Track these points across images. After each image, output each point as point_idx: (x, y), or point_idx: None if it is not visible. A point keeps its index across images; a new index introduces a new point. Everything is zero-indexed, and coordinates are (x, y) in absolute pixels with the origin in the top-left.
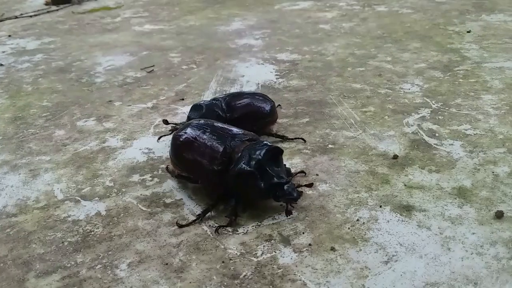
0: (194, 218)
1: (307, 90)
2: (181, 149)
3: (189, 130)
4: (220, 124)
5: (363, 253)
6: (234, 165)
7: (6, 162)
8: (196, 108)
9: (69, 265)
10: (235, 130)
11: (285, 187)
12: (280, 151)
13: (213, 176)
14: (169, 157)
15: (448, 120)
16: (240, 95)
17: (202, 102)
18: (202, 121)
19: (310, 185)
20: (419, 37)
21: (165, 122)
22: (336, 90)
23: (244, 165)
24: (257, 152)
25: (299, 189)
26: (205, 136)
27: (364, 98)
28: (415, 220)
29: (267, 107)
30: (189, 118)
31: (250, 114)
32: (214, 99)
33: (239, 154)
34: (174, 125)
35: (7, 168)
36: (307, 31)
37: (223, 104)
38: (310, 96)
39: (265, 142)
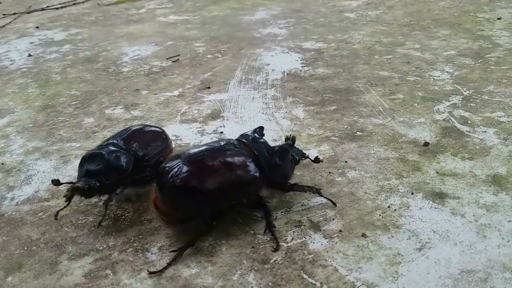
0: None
1: (333, 78)
2: (202, 183)
3: (190, 167)
4: (196, 149)
5: (395, 239)
6: (270, 159)
7: (38, 149)
8: (91, 159)
9: (101, 248)
10: (217, 144)
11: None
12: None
13: (254, 184)
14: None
15: (480, 107)
16: (132, 131)
17: (95, 152)
18: (183, 155)
19: (317, 160)
20: (448, 25)
21: (56, 183)
22: (363, 78)
23: (278, 150)
24: (262, 141)
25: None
26: (215, 158)
27: (392, 85)
28: (448, 207)
29: (162, 136)
30: (86, 173)
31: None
32: (106, 144)
33: (263, 151)
34: (70, 184)
35: (38, 154)
36: (332, 20)
37: (122, 144)
38: (336, 84)
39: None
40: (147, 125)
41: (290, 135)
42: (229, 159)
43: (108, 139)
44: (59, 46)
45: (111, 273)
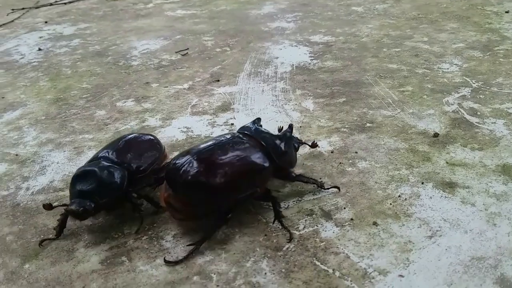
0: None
1: (342, 70)
2: (217, 177)
3: (203, 161)
4: (205, 144)
5: (406, 228)
6: (278, 147)
7: (51, 140)
8: (83, 178)
9: (116, 236)
10: (224, 137)
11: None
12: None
13: (266, 173)
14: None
15: (489, 99)
16: (123, 142)
17: (86, 169)
18: (192, 152)
19: (314, 145)
20: (456, 18)
21: (47, 207)
22: (372, 70)
23: (283, 137)
24: (265, 131)
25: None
26: (226, 151)
27: (401, 78)
28: (458, 196)
29: (155, 144)
30: (79, 194)
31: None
32: (97, 158)
33: (270, 140)
34: (63, 206)
35: (52, 145)
36: (340, 14)
37: (114, 157)
38: (345, 77)
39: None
40: (139, 134)
41: (281, 126)
42: (240, 151)
43: (99, 152)
44: (69, 40)
45: (127, 260)
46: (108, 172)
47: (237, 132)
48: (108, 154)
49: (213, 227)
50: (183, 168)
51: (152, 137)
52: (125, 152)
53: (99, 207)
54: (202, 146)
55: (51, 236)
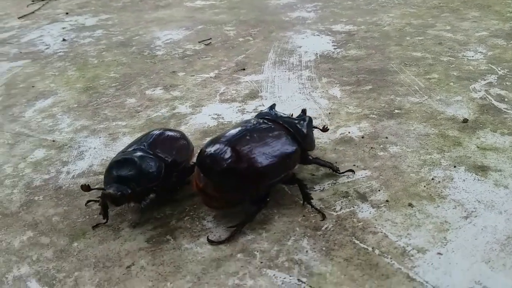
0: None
1: (366, 59)
2: (254, 162)
3: (239, 148)
4: (235, 131)
5: (441, 209)
6: (301, 130)
7: (85, 127)
8: (122, 165)
9: (159, 216)
10: (251, 124)
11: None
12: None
13: (296, 156)
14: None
15: None
16: (155, 136)
17: (125, 157)
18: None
19: (325, 129)
20: (477, 7)
21: (85, 188)
22: (396, 58)
23: (303, 120)
24: (286, 115)
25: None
26: (258, 136)
27: (426, 65)
28: (491, 179)
29: (186, 141)
30: (117, 179)
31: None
32: (133, 150)
33: (294, 124)
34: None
35: (87, 132)
36: (360, 3)
37: (149, 150)
38: (370, 65)
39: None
40: (168, 130)
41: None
42: (271, 136)
43: (132, 145)
44: (92, 31)
45: (172, 239)
46: (147, 161)
47: (258, 118)
48: (143, 146)
49: (253, 210)
50: (219, 156)
51: (181, 134)
52: (159, 146)
53: (135, 195)
54: (232, 132)
55: (101, 221)
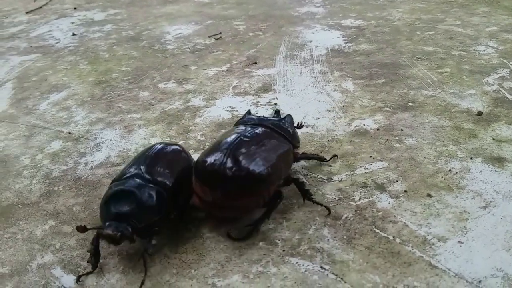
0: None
1: (378, 53)
2: (263, 166)
3: (244, 154)
4: (230, 138)
5: (460, 199)
6: (289, 128)
7: (101, 120)
8: (120, 198)
9: None
10: (244, 130)
11: None
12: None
13: (291, 155)
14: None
15: None
16: (153, 155)
17: (123, 188)
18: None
19: (300, 126)
20: (486, 2)
21: (81, 229)
22: (408, 52)
23: (285, 119)
24: (269, 118)
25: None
26: (251, 142)
27: (438, 59)
28: (508, 170)
29: (186, 157)
30: (115, 216)
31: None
32: (130, 176)
33: (280, 124)
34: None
35: (102, 124)
36: None
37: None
38: (382, 59)
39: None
40: (167, 144)
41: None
42: (265, 137)
43: (129, 167)
44: (101, 26)
45: (193, 228)
46: (148, 193)
47: (242, 124)
48: (140, 171)
49: (272, 207)
50: (223, 165)
51: (181, 148)
52: (158, 168)
53: (136, 232)
54: (227, 140)
55: (86, 271)
